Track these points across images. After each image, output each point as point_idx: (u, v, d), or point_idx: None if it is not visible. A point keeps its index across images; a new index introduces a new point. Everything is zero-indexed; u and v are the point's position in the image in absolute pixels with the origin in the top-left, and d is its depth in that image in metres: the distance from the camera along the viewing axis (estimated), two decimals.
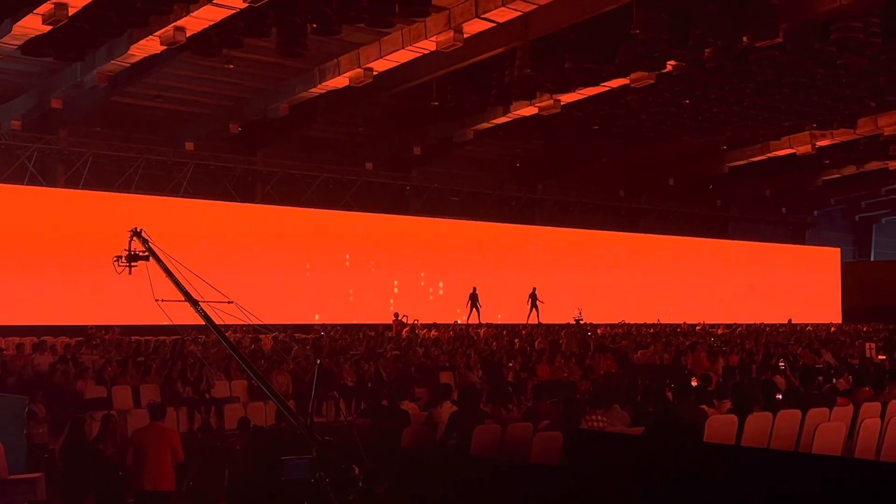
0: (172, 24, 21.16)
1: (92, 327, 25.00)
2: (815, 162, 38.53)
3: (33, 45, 22.18)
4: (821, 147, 35.80)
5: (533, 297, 34.02)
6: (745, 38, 22.12)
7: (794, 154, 36.68)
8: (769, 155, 37.65)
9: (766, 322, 39.37)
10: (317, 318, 29.40)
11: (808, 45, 23.38)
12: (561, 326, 31.81)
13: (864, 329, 36.77)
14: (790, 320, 40.67)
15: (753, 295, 44.45)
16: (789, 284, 46.60)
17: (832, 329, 38.35)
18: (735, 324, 38.10)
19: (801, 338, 30.36)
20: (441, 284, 34.51)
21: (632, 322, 36.11)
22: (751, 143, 37.29)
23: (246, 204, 31.75)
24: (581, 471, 7.94)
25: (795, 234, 51.46)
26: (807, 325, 40.22)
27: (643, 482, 7.29)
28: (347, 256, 32.80)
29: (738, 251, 45.88)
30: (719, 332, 33.94)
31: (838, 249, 50.89)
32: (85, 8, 20.06)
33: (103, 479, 11.26)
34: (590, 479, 7.75)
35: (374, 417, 12.14)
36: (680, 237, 43.34)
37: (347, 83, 26.29)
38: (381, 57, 24.69)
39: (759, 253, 46.63)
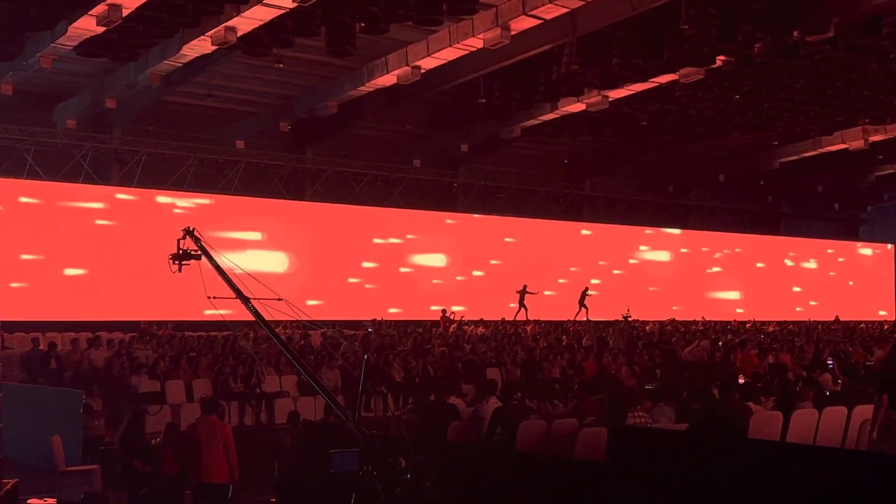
0: (223, 25, 21.44)
1: (145, 323, 25.47)
2: (868, 157, 37.90)
3: (88, 46, 22.55)
4: (874, 142, 35.20)
5: (583, 295, 33.85)
6: (795, 33, 21.85)
7: (846, 149, 36.07)
8: (821, 150, 37.06)
9: (818, 319, 38.87)
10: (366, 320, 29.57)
11: (859, 40, 23.03)
12: (609, 323, 31.72)
13: None
14: (837, 317, 40.12)
15: (805, 292, 43.93)
16: (842, 281, 46.00)
17: (885, 327, 37.76)
18: (786, 321, 37.67)
19: (854, 335, 29.96)
20: (488, 281, 34.50)
21: (681, 319, 35.86)
22: (802, 139, 36.76)
23: (295, 201, 32.11)
24: (625, 467, 8.00)
25: (848, 230, 50.75)
26: (860, 322, 39.62)
27: (687, 478, 7.34)
28: (395, 253, 32.99)
29: (790, 248, 45.40)
30: (770, 329, 33.58)
31: (893, 246, 50.08)
32: (138, 9, 20.38)
33: (160, 477, 11.53)
34: (634, 474, 7.80)
35: (421, 412, 12.26)
36: (730, 234, 42.94)
37: (395, 81, 26.42)
38: (429, 55, 24.76)
39: (812, 249, 46.11)
